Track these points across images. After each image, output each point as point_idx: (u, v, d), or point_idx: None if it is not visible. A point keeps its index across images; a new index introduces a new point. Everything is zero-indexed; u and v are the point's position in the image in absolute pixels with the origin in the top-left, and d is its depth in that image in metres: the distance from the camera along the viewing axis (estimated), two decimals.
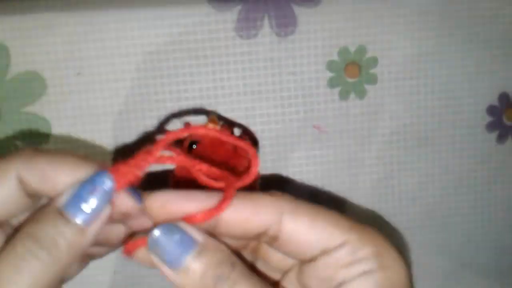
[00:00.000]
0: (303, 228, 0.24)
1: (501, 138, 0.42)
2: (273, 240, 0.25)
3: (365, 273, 0.23)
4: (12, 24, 0.37)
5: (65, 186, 0.23)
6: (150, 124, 0.39)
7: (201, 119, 0.39)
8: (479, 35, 0.40)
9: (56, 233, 0.22)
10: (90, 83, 0.38)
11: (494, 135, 0.42)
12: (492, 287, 0.44)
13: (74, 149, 0.39)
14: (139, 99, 0.39)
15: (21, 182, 0.23)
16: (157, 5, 0.38)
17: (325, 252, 0.24)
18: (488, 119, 0.41)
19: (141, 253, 0.24)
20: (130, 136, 0.39)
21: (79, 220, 0.22)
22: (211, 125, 0.38)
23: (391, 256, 0.24)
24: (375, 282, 0.23)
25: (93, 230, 0.23)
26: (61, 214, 0.22)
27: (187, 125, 0.39)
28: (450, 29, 0.40)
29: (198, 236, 0.23)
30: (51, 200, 0.23)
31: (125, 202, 0.24)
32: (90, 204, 0.23)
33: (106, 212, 0.23)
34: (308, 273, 0.25)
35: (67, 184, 0.23)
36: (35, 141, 0.38)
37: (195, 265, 0.22)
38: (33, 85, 0.38)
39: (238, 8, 0.38)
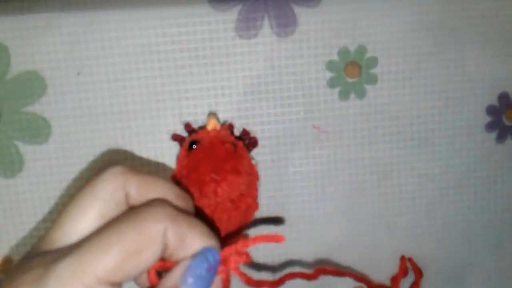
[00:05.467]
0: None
1: (501, 138, 0.42)
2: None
3: None
4: (12, 24, 0.37)
5: (190, 255, 0.25)
6: (150, 124, 0.39)
7: (201, 119, 0.39)
8: (479, 35, 0.40)
9: None
10: (90, 83, 0.38)
11: (493, 135, 0.42)
12: (492, 287, 0.44)
13: (74, 149, 0.39)
14: (139, 99, 0.39)
15: (164, 243, 0.24)
16: (157, 5, 0.38)
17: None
18: (487, 119, 0.41)
19: None
20: (130, 136, 0.39)
21: None
22: (211, 125, 0.38)
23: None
24: None
25: None
26: None
27: (187, 124, 0.39)
28: (450, 29, 0.40)
29: None
30: (170, 276, 0.25)
31: None
32: (208, 281, 0.24)
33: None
34: None
35: (194, 252, 0.25)
36: (35, 141, 0.38)
37: None
38: (33, 85, 0.38)
39: (238, 8, 0.38)
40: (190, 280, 0.24)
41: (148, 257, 0.23)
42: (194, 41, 0.38)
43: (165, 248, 0.24)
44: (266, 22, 0.38)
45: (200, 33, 0.38)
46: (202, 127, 0.39)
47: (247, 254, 0.26)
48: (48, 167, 0.39)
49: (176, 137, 0.39)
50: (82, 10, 0.37)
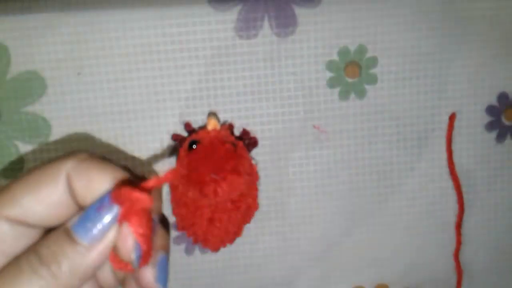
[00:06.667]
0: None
1: (500, 138, 0.42)
2: None
3: None
4: (12, 24, 0.37)
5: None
6: (150, 124, 0.39)
7: (201, 119, 0.39)
8: (479, 35, 0.40)
9: (58, 251, 0.22)
10: (90, 83, 0.38)
11: (493, 135, 0.42)
12: (492, 287, 0.44)
13: (74, 149, 0.39)
14: (139, 99, 0.39)
15: (70, 186, 0.23)
16: (157, 5, 0.38)
17: None
18: (487, 119, 0.41)
19: None
20: (130, 136, 0.39)
21: (82, 240, 0.22)
22: (211, 125, 0.38)
23: None
24: None
25: (97, 252, 0.22)
26: (67, 233, 0.22)
27: (187, 124, 0.39)
28: (450, 29, 0.40)
29: None
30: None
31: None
32: (94, 223, 0.22)
33: (111, 234, 0.22)
34: None
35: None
36: (35, 141, 0.38)
37: None
38: (33, 85, 0.38)
39: (238, 8, 0.38)
40: (75, 218, 0.22)
41: (48, 193, 0.23)
42: (194, 41, 0.38)
43: (72, 191, 0.23)
44: (266, 22, 0.38)
45: (200, 33, 0.38)
46: (202, 127, 0.39)
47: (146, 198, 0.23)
48: None
49: (176, 137, 0.39)
50: (82, 10, 0.37)
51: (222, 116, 0.39)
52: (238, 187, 0.36)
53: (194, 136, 0.38)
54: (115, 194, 0.22)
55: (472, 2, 0.39)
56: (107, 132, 0.39)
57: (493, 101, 0.41)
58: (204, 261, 0.41)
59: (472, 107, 0.41)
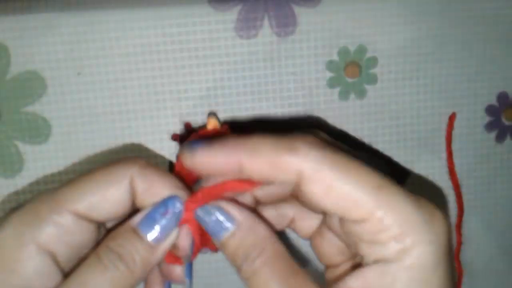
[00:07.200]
0: (319, 195, 0.24)
1: (500, 138, 0.42)
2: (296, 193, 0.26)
3: (383, 260, 0.23)
4: (12, 24, 0.37)
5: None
6: (150, 124, 0.39)
7: (201, 119, 0.39)
8: (479, 35, 0.40)
9: (132, 248, 0.25)
10: (90, 83, 0.38)
11: (493, 135, 0.42)
12: (492, 287, 0.44)
13: (74, 149, 0.39)
14: (139, 99, 0.39)
15: (131, 188, 0.26)
16: (157, 5, 0.37)
17: (344, 221, 0.25)
18: (487, 118, 0.41)
19: None
20: (130, 136, 0.39)
21: (150, 238, 0.25)
22: (211, 125, 0.38)
23: (416, 237, 0.23)
24: (392, 273, 0.23)
25: (162, 249, 0.25)
26: (135, 232, 0.25)
27: (187, 124, 0.39)
28: (450, 29, 0.40)
29: (238, 215, 0.25)
30: (132, 218, 0.26)
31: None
32: (161, 225, 0.25)
33: (174, 233, 0.26)
34: (336, 227, 0.26)
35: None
36: (35, 141, 0.38)
37: (228, 242, 0.25)
38: (33, 85, 0.38)
39: (238, 8, 0.38)
40: (138, 218, 0.25)
41: (114, 194, 0.25)
42: (194, 41, 0.38)
43: (133, 193, 0.26)
44: (266, 22, 0.38)
45: (200, 33, 0.38)
46: (202, 127, 0.39)
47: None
48: (48, 167, 0.39)
49: (176, 137, 0.39)
50: (82, 10, 0.37)
51: (222, 116, 0.39)
52: None
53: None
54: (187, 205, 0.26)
55: (472, 2, 0.39)
56: (107, 132, 0.39)
57: (493, 101, 0.41)
58: (204, 261, 0.41)
59: (472, 107, 0.41)
